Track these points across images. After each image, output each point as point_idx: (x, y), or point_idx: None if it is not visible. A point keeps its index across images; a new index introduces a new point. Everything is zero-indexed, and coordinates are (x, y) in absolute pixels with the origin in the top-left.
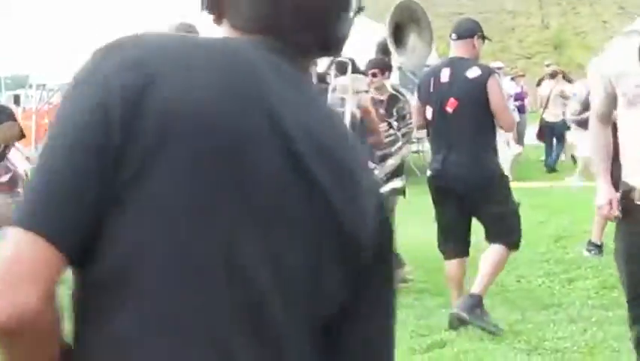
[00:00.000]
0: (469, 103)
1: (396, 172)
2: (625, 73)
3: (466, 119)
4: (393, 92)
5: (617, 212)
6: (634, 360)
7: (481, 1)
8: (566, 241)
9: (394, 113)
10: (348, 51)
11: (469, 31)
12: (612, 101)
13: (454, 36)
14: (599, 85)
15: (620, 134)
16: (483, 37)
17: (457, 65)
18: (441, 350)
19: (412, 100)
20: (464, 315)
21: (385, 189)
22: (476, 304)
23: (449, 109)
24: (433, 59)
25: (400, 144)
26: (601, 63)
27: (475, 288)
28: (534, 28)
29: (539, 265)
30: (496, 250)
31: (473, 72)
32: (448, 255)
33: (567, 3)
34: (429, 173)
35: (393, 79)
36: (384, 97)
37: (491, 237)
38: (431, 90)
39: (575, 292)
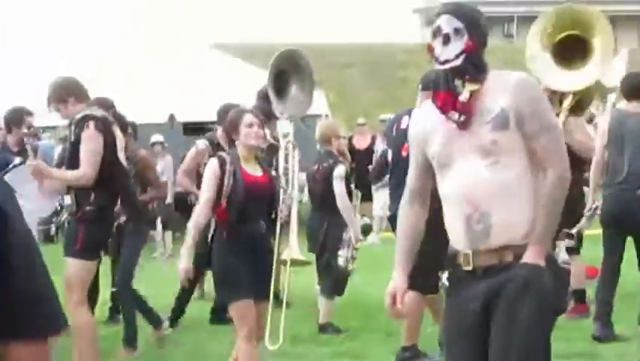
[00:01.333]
0: None
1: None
2: (432, 130)
3: None
4: (273, 142)
5: (399, 306)
6: None
7: (372, 53)
8: None
9: (273, 163)
10: (238, 98)
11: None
12: (426, 171)
13: (420, 86)
14: (411, 156)
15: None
16: None
17: None
18: None
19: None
20: None
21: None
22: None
23: (404, 153)
24: (324, 108)
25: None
26: (410, 131)
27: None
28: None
29: None
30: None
31: None
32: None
33: None
34: (388, 214)
35: (286, 127)
36: (264, 145)
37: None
38: (393, 135)
39: None
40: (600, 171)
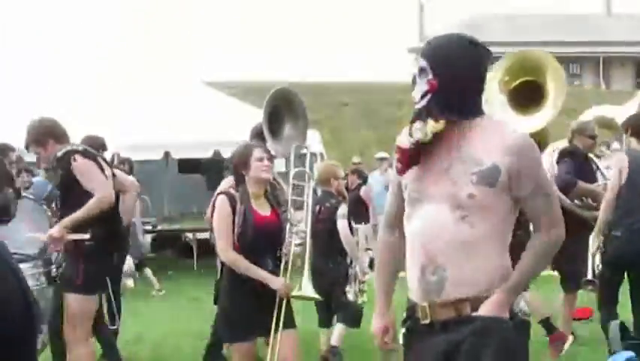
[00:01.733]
0: None
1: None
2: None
3: None
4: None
5: (389, 341)
6: None
7: (367, 92)
8: None
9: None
10: (232, 136)
11: None
12: (401, 200)
13: None
14: (392, 180)
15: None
16: None
17: None
18: None
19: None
20: None
21: None
22: None
23: None
24: (318, 147)
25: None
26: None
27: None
28: None
29: None
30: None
31: None
32: None
33: None
34: None
35: (279, 165)
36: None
37: None
38: None
39: None
40: (611, 209)
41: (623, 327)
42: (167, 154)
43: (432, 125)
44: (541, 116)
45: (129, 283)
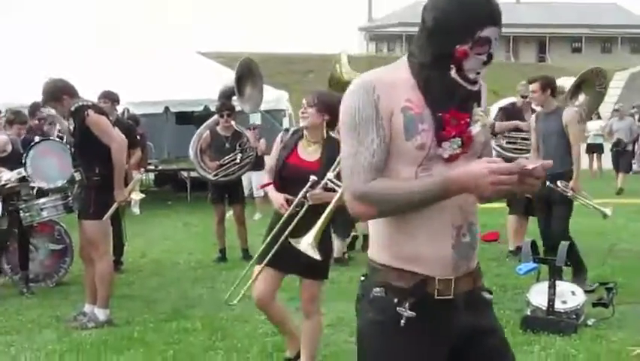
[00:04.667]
0: None
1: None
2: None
3: None
4: (237, 130)
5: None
6: None
7: (327, 61)
8: None
9: (237, 147)
10: (204, 94)
11: None
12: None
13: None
14: (372, 128)
15: None
16: None
17: None
18: None
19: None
20: None
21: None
22: None
23: None
24: (287, 105)
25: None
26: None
27: None
28: None
29: None
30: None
31: None
32: None
33: None
34: None
35: (256, 119)
36: (229, 134)
37: None
38: None
39: None
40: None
41: (534, 244)
42: (166, 109)
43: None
44: None
45: (135, 210)
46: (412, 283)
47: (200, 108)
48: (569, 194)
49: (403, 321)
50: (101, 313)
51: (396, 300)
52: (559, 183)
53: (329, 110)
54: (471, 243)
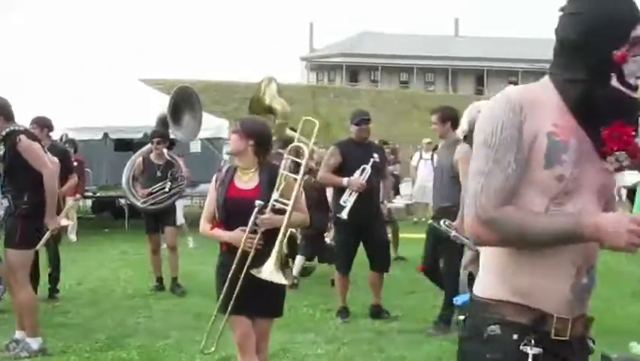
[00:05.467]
0: None
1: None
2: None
3: None
4: (169, 159)
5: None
6: None
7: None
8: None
9: (169, 176)
10: (144, 121)
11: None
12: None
13: (437, 116)
14: (505, 152)
15: None
16: (357, 124)
17: None
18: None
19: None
20: None
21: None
22: None
23: None
24: (226, 133)
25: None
26: (510, 116)
27: None
28: (307, 113)
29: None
30: None
31: None
32: None
33: (333, 95)
34: None
35: (196, 147)
36: (162, 162)
37: None
38: None
39: (332, 319)
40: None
41: (471, 275)
42: (105, 135)
43: None
44: None
45: (72, 237)
46: (531, 318)
47: (140, 135)
48: (451, 234)
49: (530, 360)
50: (33, 342)
51: (515, 337)
52: (442, 222)
53: (253, 135)
54: (588, 286)
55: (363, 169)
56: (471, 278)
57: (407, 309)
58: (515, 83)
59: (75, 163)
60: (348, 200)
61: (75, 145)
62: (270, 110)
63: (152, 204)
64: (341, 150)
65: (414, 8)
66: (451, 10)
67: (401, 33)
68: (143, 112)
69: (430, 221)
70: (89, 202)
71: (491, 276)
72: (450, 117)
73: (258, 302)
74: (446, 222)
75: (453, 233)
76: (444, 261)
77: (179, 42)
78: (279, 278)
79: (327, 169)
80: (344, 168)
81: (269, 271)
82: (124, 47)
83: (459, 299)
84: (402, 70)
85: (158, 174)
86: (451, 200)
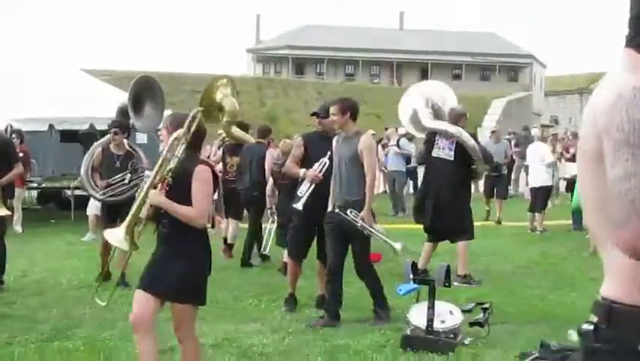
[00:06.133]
0: None
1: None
2: None
3: None
4: (129, 149)
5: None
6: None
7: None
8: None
9: (129, 167)
10: (102, 113)
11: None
12: None
13: None
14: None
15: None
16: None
17: None
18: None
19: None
20: None
21: None
22: None
23: None
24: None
25: (131, 192)
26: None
27: None
28: (253, 105)
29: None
30: None
31: None
32: None
33: (279, 88)
34: None
35: (142, 139)
36: (122, 152)
37: None
38: None
39: (277, 309)
40: None
41: (414, 265)
42: (51, 126)
43: None
44: None
45: (18, 229)
46: None
47: (86, 126)
48: (358, 224)
49: None
50: None
51: None
52: (349, 212)
53: (179, 126)
54: None
55: (322, 162)
56: (414, 266)
57: (349, 299)
58: (459, 77)
59: (20, 154)
60: (305, 191)
61: (22, 136)
62: (219, 108)
63: (110, 196)
64: (305, 141)
65: (360, 1)
66: (396, 3)
67: (346, 26)
68: (88, 103)
69: (337, 211)
70: (34, 193)
71: (630, 279)
72: (349, 108)
73: (149, 278)
74: (353, 213)
75: (360, 223)
76: (357, 261)
77: (123, 33)
78: (124, 246)
79: (291, 160)
80: (307, 160)
81: (117, 238)
82: (62, 36)
83: (402, 289)
84: (347, 62)
85: (118, 165)
86: (358, 194)
